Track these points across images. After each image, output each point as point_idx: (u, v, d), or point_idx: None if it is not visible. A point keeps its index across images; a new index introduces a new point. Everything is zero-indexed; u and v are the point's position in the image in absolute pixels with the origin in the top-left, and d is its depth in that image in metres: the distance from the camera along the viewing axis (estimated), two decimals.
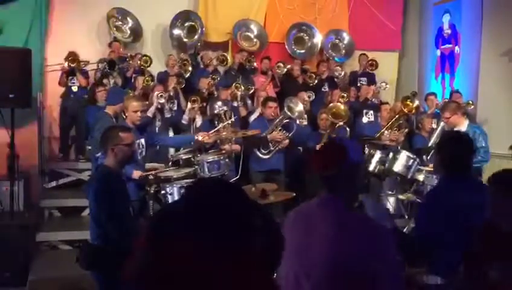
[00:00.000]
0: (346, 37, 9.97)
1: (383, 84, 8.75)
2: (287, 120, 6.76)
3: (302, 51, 9.78)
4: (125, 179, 3.80)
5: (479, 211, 2.70)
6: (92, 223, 3.41)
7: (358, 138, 7.23)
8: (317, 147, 6.79)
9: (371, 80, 9.26)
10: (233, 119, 6.64)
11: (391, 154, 6.44)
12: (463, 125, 5.61)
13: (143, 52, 8.72)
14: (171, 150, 6.86)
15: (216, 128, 5.96)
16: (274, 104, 6.77)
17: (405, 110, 7.04)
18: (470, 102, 7.90)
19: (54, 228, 6.54)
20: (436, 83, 9.54)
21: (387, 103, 7.75)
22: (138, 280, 1.06)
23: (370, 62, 9.36)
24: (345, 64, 9.89)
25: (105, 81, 7.70)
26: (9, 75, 6.14)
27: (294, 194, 5.42)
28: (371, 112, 7.96)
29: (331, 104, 7.33)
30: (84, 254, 3.43)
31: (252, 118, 7.36)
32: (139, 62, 8.02)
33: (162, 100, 6.63)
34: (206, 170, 5.60)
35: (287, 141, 6.65)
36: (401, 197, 6.31)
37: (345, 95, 7.99)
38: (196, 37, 9.08)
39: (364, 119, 7.98)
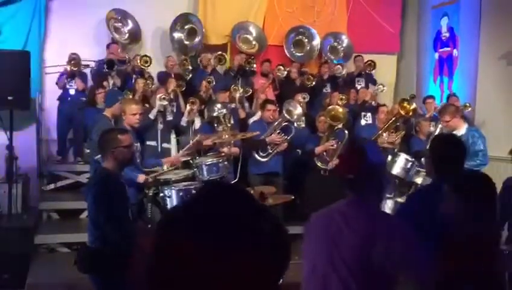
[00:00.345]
0: (344, 40, 9.99)
1: (381, 86, 8.78)
2: (286, 123, 6.77)
3: (301, 54, 9.79)
4: (128, 182, 3.80)
5: None
6: (90, 225, 3.41)
7: (356, 140, 7.23)
8: (316, 149, 6.82)
9: (370, 81, 9.26)
10: (232, 122, 6.66)
11: (389, 157, 6.45)
12: (461, 129, 5.62)
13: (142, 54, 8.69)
14: (173, 152, 6.85)
15: (214, 135, 5.95)
16: (273, 107, 6.79)
17: (402, 112, 7.03)
18: (467, 104, 7.91)
19: (52, 231, 6.53)
20: (435, 86, 9.56)
21: (384, 105, 7.74)
22: (143, 284, 1.07)
23: (368, 63, 9.38)
24: (344, 67, 9.89)
25: (105, 83, 7.71)
26: (8, 78, 6.15)
27: (293, 197, 5.43)
28: (369, 114, 7.97)
29: (330, 107, 7.33)
30: (82, 256, 3.43)
31: (252, 120, 7.37)
32: (139, 62, 8.00)
33: (165, 102, 6.62)
34: (205, 172, 5.60)
35: (285, 144, 6.66)
36: (399, 200, 6.31)
37: (344, 97, 8.01)
38: (197, 39, 9.10)
39: (363, 122, 7.99)
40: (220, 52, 8.81)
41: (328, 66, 9.33)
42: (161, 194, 5.21)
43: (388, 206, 6.46)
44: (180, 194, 5.18)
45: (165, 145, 6.61)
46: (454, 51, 9.11)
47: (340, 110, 7.13)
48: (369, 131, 7.27)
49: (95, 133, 5.53)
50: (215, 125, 6.44)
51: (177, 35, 9.10)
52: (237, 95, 7.78)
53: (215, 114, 6.37)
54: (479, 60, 8.30)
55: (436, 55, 9.60)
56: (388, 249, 2.19)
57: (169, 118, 6.78)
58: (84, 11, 8.55)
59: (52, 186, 7.52)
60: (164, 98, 6.60)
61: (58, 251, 6.38)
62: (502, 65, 7.86)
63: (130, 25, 8.93)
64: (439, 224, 2.64)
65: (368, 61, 9.39)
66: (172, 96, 7.34)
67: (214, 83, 7.96)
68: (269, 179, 6.47)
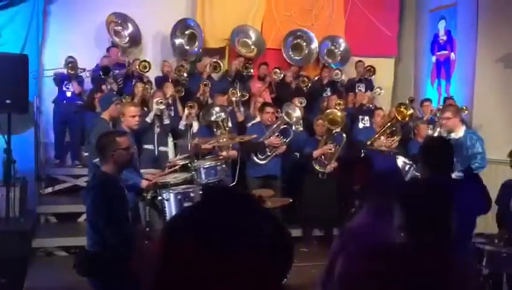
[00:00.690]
0: (342, 44, 10.01)
1: (378, 89, 8.80)
2: (285, 126, 6.79)
3: (300, 58, 9.81)
4: (127, 186, 3.80)
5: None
6: (89, 229, 3.41)
7: (354, 143, 7.25)
8: (314, 153, 6.83)
9: (369, 86, 9.29)
10: (230, 125, 6.67)
11: None
12: (460, 131, 5.64)
13: (142, 58, 8.69)
14: (170, 155, 6.86)
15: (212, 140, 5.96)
16: (271, 110, 6.80)
17: (399, 117, 7.04)
18: (464, 107, 7.93)
19: (50, 234, 6.52)
20: (432, 89, 9.59)
21: (380, 108, 7.75)
22: (151, 286, 1.09)
23: (368, 68, 9.39)
24: (343, 72, 9.89)
25: (103, 87, 7.72)
26: (6, 81, 6.17)
27: (291, 200, 5.43)
28: (367, 117, 7.99)
29: (328, 111, 7.35)
30: (81, 260, 3.42)
31: (250, 123, 7.38)
32: (137, 67, 8.01)
33: (162, 106, 6.63)
34: (203, 175, 5.59)
35: (284, 147, 6.67)
36: None
37: (341, 102, 8.02)
38: (197, 44, 9.12)
39: (360, 125, 8.01)
40: (215, 60, 8.81)
41: (328, 70, 9.36)
42: (159, 198, 5.21)
43: None
44: (179, 197, 5.17)
45: (162, 148, 6.63)
46: (452, 54, 9.14)
47: (338, 113, 7.15)
48: (367, 134, 7.28)
49: (94, 137, 5.54)
50: (214, 129, 6.44)
51: (178, 41, 9.11)
52: (234, 99, 7.79)
53: (213, 118, 6.38)
54: (477, 63, 8.32)
55: (434, 59, 9.62)
56: None
57: (166, 121, 6.79)
58: (82, 15, 8.56)
59: (50, 189, 7.52)
60: (161, 102, 6.61)
61: (56, 255, 6.37)
62: (499, 68, 7.88)
63: (130, 28, 8.94)
64: None
65: (367, 66, 9.40)
66: (170, 101, 7.36)
67: (210, 86, 7.99)
68: (267, 182, 6.48)
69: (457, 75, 8.98)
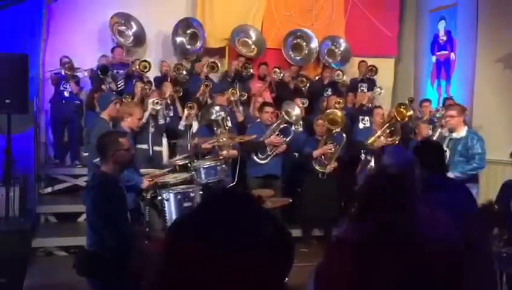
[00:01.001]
0: (342, 44, 10.02)
1: (378, 89, 8.80)
2: (285, 125, 6.79)
3: (300, 57, 9.82)
4: (127, 186, 3.81)
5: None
6: (88, 229, 3.40)
7: (353, 144, 7.24)
8: (314, 153, 6.83)
9: (372, 86, 9.28)
10: (229, 124, 6.66)
11: None
12: (462, 131, 5.66)
13: (145, 58, 8.67)
14: (165, 157, 6.86)
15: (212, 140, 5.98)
16: (271, 109, 6.80)
17: (398, 117, 7.04)
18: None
19: (49, 234, 6.51)
20: (432, 90, 9.59)
21: (379, 107, 7.73)
22: (154, 285, 1.11)
23: (370, 68, 9.39)
24: (345, 73, 9.88)
25: (103, 87, 7.73)
26: (6, 81, 6.15)
27: (291, 200, 5.43)
28: (367, 117, 7.98)
29: (328, 110, 7.35)
30: (81, 260, 3.42)
31: (250, 124, 7.38)
32: (137, 67, 8.02)
33: (158, 107, 6.64)
34: (203, 175, 5.60)
35: (284, 146, 6.67)
36: None
37: (340, 101, 8.02)
38: (198, 43, 9.12)
39: (361, 125, 8.00)
40: (212, 60, 8.81)
41: (329, 70, 9.35)
42: (159, 198, 5.21)
43: None
44: (178, 197, 5.18)
45: (156, 148, 6.62)
46: (452, 55, 9.14)
47: (339, 113, 7.14)
48: (367, 134, 7.26)
49: (94, 137, 5.55)
50: (214, 128, 6.44)
51: (179, 39, 9.11)
52: (234, 99, 7.80)
53: (213, 117, 6.37)
54: (476, 64, 8.33)
55: (434, 59, 9.63)
56: None
57: (161, 121, 6.81)
58: (82, 15, 8.57)
59: (49, 189, 7.52)
60: (157, 103, 6.64)
61: (55, 254, 6.37)
62: (499, 68, 7.88)
63: (134, 27, 8.95)
64: None
65: (369, 66, 9.40)
66: (169, 101, 7.37)
67: (212, 86, 7.99)
68: (268, 182, 6.47)
69: (457, 75, 8.98)
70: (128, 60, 8.46)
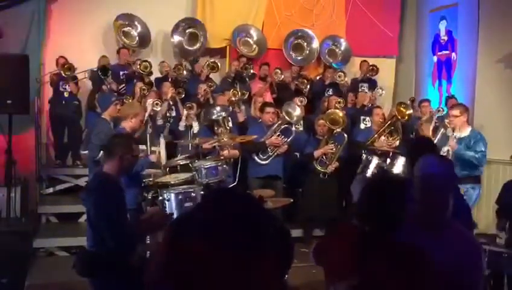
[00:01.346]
0: (343, 43, 10.02)
1: (379, 90, 8.79)
2: (286, 125, 6.78)
3: (301, 58, 9.81)
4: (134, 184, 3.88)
5: None
6: (89, 229, 3.40)
7: (354, 144, 7.23)
8: (315, 153, 6.83)
9: (373, 86, 9.27)
10: (230, 125, 6.66)
11: (389, 160, 6.46)
12: (465, 130, 5.67)
13: (149, 59, 8.67)
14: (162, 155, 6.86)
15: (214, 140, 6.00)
16: (272, 110, 6.80)
17: (398, 115, 7.05)
18: None
19: (50, 234, 6.52)
20: (433, 90, 9.57)
21: (379, 107, 7.72)
22: (158, 279, 1.12)
23: (371, 67, 9.38)
24: (346, 75, 9.87)
25: (104, 87, 7.73)
26: (7, 81, 6.16)
27: (292, 200, 5.43)
28: (368, 118, 7.97)
29: (330, 110, 7.35)
30: (81, 260, 3.42)
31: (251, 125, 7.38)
32: (138, 67, 8.02)
33: (158, 108, 6.67)
34: (204, 175, 5.59)
35: (285, 146, 6.67)
36: None
37: (341, 100, 8.01)
38: (198, 44, 9.11)
39: (362, 126, 7.99)
40: (212, 60, 8.80)
41: (332, 71, 9.34)
42: (160, 198, 5.21)
43: None
44: (179, 197, 5.17)
45: (153, 148, 6.63)
46: (453, 54, 9.13)
47: (340, 113, 7.15)
48: (368, 135, 7.26)
49: (95, 136, 5.59)
50: (215, 128, 6.44)
51: (177, 39, 9.11)
52: (235, 99, 7.79)
53: (214, 116, 6.37)
54: (478, 63, 8.31)
55: (435, 59, 9.61)
56: None
57: (160, 122, 6.82)
58: (83, 15, 8.58)
59: (50, 190, 7.53)
60: (157, 104, 6.67)
61: (56, 255, 6.38)
62: (501, 68, 7.86)
63: (139, 28, 8.95)
64: None
65: (370, 66, 9.39)
66: (171, 102, 7.38)
67: (215, 87, 8.00)
68: (269, 183, 6.47)
69: (458, 75, 8.97)
70: (133, 61, 8.44)
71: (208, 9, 9.41)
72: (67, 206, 7.05)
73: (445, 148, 5.82)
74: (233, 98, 7.70)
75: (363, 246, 2.08)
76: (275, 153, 6.63)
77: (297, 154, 7.22)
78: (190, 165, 5.91)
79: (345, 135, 6.97)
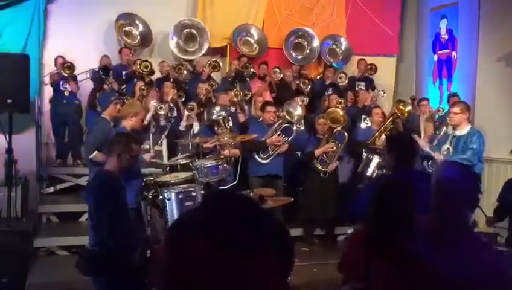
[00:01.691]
0: (343, 43, 10.01)
1: (381, 92, 8.78)
2: (286, 124, 6.79)
3: (302, 57, 9.81)
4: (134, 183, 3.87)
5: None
6: (90, 228, 3.41)
7: (354, 143, 7.23)
8: (316, 151, 6.82)
9: (370, 85, 9.27)
10: (231, 124, 6.66)
11: None
12: (465, 128, 5.66)
13: (149, 58, 8.66)
14: (164, 155, 6.87)
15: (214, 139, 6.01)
16: (273, 109, 6.81)
17: (397, 113, 7.07)
18: None
19: (51, 234, 6.52)
20: (434, 88, 9.57)
21: (378, 106, 7.71)
22: (161, 278, 1.13)
23: (369, 66, 9.38)
24: (346, 75, 9.87)
25: (105, 86, 7.73)
26: (7, 81, 6.16)
27: (292, 199, 5.43)
28: (369, 117, 7.97)
29: (330, 109, 7.35)
30: (83, 259, 3.42)
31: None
32: (138, 67, 8.02)
33: (163, 112, 6.77)
34: (204, 175, 5.59)
35: (286, 146, 6.67)
36: None
37: (342, 100, 8.00)
38: (197, 45, 9.11)
39: (363, 125, 7.99)
40: (214, 59, 8.79)
41: (332, 71, 9.33)
42: (160, 197, 5.21)
43: None
44: (180, 196, 5.17)
45: (156, 148, 6.65)
46: (453, 53, 9.12)
47: (340, 112, 7.15)
48: (369, 134, 7.27)
49: (93, 136, 5.59)
50: (215, 128, 6.44)
51: (177, 39, 9.11)
52: (236, 99, 7.80)
53: (214, 117, 6.38)
54: (478, 62, 8.31)
55: (435, 57, 9.61)
56: None
57: (163, 123, 6.84)
58: (83, 15, 8.56)
59: (51, 189, 7.53)
60: (162, 108, 6.74)
61: (57, 254, 6.37)
62: (501, 67, 7.86)
63: (141, 27, 8.95)
64: None
65: (369, 65, 9.38)
66: (172, 104, 7.40)
67: (216, 86, 8.01)
68: (269, 182, 6.48)
69: (459, 74, 8.97)
70: (135, 60, 8.45)
71: (208, 9, 9.40)
72: (67, 205, 7.05)
73: (445, 147, 5.81)
74: (235, 99, 7.70)
75: (368, 248, 2.08)
76: (276, 153, 6.64)
77: (298, 153, 7.22)
78: (190, 164, 5.92)
79: (346, 134, 6.97)
